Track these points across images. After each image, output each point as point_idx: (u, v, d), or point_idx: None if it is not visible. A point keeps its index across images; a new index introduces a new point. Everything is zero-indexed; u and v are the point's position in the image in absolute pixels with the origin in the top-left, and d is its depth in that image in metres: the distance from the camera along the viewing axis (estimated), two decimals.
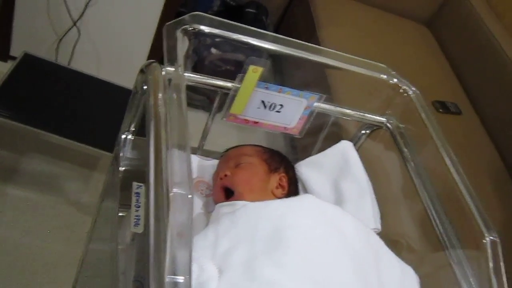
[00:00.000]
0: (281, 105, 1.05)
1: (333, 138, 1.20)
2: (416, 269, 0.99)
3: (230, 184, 1.00)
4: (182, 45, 0.90)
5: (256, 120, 1.07)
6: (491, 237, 0.85)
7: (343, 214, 0.94)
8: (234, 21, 0.99)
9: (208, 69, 2.22)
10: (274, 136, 2.26)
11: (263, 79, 1.00)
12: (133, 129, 1.11)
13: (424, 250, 1.07)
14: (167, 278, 0.60)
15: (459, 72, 2.64)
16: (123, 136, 1.11)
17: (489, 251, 0.84)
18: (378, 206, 1.09)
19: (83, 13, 1.99)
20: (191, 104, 2.30)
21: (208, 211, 1.03)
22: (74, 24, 2.01)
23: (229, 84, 1.01)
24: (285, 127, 1.10)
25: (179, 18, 0.91)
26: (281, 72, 2.67)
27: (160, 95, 0.87)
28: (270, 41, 1.01)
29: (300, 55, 1.03)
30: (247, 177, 1.01)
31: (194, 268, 0.75)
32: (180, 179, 0.67)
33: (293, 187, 1.08)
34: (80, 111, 1.83)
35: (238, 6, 2.54)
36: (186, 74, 0.99)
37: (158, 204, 0.68)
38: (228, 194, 1.01)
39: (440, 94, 2.42)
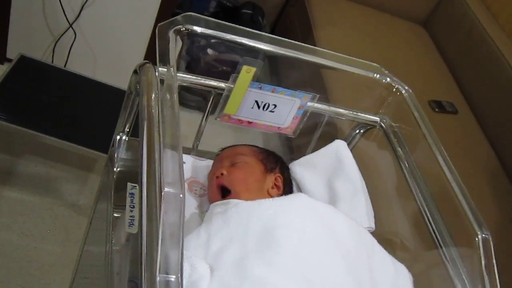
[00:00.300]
0: (274, 105, 1.05)
1: (328, 138, 1.20)
2: (410, 267, 1.00)
3: (227, 183, 1.00)
4: (175, 45, 0.90)
5: (250, 120, 1.07)
6: (483, 235, 0.85)
7: (335, 212, 0.95)
8: (231, 22, 1.00)
9: (204, 70, 2.23)
10: (269, 136, 2.27)
11: (258, 80, 1.00)
12: (128, 130, 1.12)
13: (418, 249, 1.07)
14: (159, 277, 0.61)
15: (455, 72, 2.64)
16: (118, 137, 1.12)
17: (481, 248, 0.84)
18: (372, 205, 1.10)
19: (79, 15, 2.00)
20: (186, 104, 2.30)
21: (202, 211, 1.03)
22: (70, 26, 2.02)
23: (222, 85, 1.02)
24: (279, 127, 1.10)
25: (172, 18, 0.91)
26: (277, 72, 2.68)
27: (153, 95, 0.87)
28: (263, 41, 1.01)
29: (293, 55, 1.04)
30: (244, 176, 1.02)
31: (186, 267, 0.76)
32: (172, 178, 0.67)
33: (288, 188, 1.08)
34: (76, 113, 1.83)
35: (234, 7, 2.55)
36: (179, 74, 0.99)
37: (151, 204, 0.69)
38: (224, 193, 1.01)
39: (436, 93, 2.43)
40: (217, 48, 2.23)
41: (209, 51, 2.20)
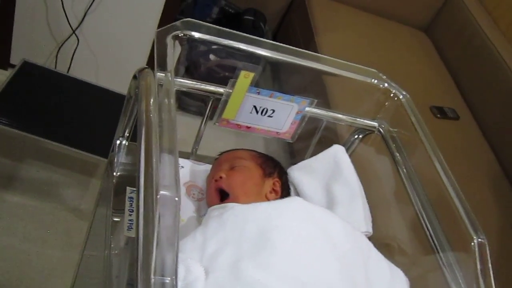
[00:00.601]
0: (272, 110, 1.06)
1: (328, 143, 1.20)
2: (407, 271, 1.00)
3: (225, 186, 1.01)
4: (174, 51, 0.91)
5: (249, 125, 1.08)
6: (479, 239, 0.86)
7: (331, 216, 0.95)
8: (233, 28, 1.01)
9: (206, 76, 2.24)
10: (270, 140, 2.27)
11: (260, 85, 1.01)
12: (128, 134, 1.13)
13: (415, 253, 1.08)
14: (154, 279, 0.61)
15: (456, 78, 2.65)
16: (118, 142, 1.12)
17: (477, 253, 0.84)
18: (370, 210, 1.10)
19: (82, 21, 2.02)
20: (187, 109, 2.32)
21: (200, 215, 1.04)
22: (73, 32, 2.03)
23: (221, 90, 1.03)
24: (277, 132, 1.11)
25: (171, 24, 0.92)
26: (279, 78, 2.69)
27: (151, 100, 0.88)
28: (261, 47, 1.02)
29: (291, 60, 1.05)
30: (242, 180, 1.02)
31: (181, 269, 0.76)
32: (168, 182, 0.68)
33: (285, 192, 1.09)
34: (78, 118, 1.84)
35: (237, 14, 2.56)
36: (178, 80, 1.00)
37: (147, 207, 0.69)
38: (223, 196, 1.01)
39: (438, 99, 2.43)
40: (219, 54, 2.24)
41: (211, 56, 2.22)
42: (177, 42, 0.95)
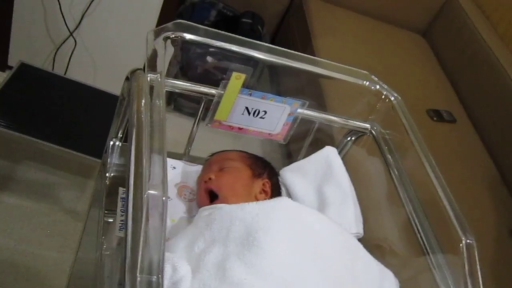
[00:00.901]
0: (265, 111, 1.06)
1: (322, 145, 1.21)
2: (398, 273, 1.00)
3: (215, 187, 1.02)
4: (165, 52, 0.92)
5: (241, 126, 1.08)
6: (468, 240, 0.86)
7: (318, 217, 0.96)
8: (230, 31, 1.01)
9: (203, 78, 2.24)
10: (266, 141, 2.28)
11: (258, 88, 1.02)
12: (121, 135, 1.13)
13: (406, 255, 1.08)
14: (139, 277, 0.62)
15: (453, 81, 2.66)
16: (111, 143, 1.13)
17: (465, 253, 0.85)
18: (362, 212, 1.11)
19: (79, 23, 2.03)
20: (183, 111, 2.32)
21: (191, 215, 1.04)
22: (71, 34, 2.04)
23: (213, 91, 1.03)
24: (269, 133, 1.11)
25: (163, 25, 0.93)
26: (277, 81, 2.70)
27: (143, 101, 0.89)
28: (253, 49, 1.03)
29: (284, 62, 1.05)
30: (231, 181, 1.03)
31: (168, 268, 0.77)
32: (155, 181, 0.69)
33: (276, 193, 1.09)
34: (75, 120, 1.85)
35: (235, 16, 2.57)
36: (171, 81, 1.01)
37: (136, 207, 0.70)
38: (212, 198, 1.02)
39: (435, 102, 2.44)
40: (217, 56, 2.25)
41: (209, 59, 2.22)
42: (169, 43, 0.96)
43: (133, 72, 0.96)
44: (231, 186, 1.02)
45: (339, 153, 1.20)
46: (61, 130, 1.78)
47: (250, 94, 1.03)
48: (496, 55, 2.42)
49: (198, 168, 1.13)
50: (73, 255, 1.43)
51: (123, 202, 1.05)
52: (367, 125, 1.16)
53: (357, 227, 1.06)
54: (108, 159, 1.13)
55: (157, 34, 0.91)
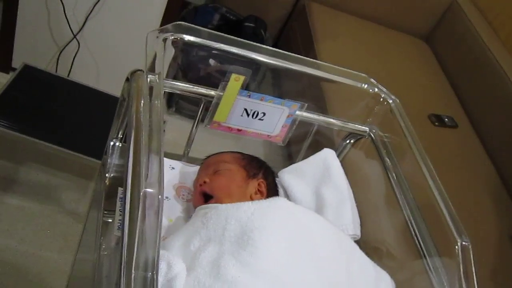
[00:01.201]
0: (263, 113, 1.07)
1: (321, 148, 1.22)
2: (394, 275, 1.01)
3: (209, 190, 1.02)
4: (164, 53, 0.93)
5: (240, 128, 1.09)
6: (463, 242, 0.86)
7: (314, 217, 0.96)
8: (233, 35, 1.02)
9: (205, 81, 2.25)
10: (267, 143, 2.28)
11: (260, 90, 1.02)
12: (121, 136, 1.14)
13: (403, 257, 1.08)
14: (134, 273, 0.62)
15: (456, 86, 2.66)
16: (111, 143, 1.14)
17: (460, 255, 0.85)
18: (360, 214, 1.11)
19: (83, 26, 2.04)
20: (185, 113, 2.34)
21: (188, 215, 1.05)
22: (74, 36, 2.06)
23: (212, 92, 1.04)
24: (268, 135, 1.12)
25: (162, 27, 0.94)
26: (279, 85, 2.71)
27: (142, 102, 0.89)
28: (253, 51, 1.04)
29: (282, 64, 1.06)
30: (225, 183, 1.03)
31: (163, 265, 0.78)
32: (151, 180, 0.70)
33: (272, 193, 1.09)
34: (78, 121, 1.86)
35: (238, 20, 2.58)
36: (169, 82, 1.02)
37: (133, 205, 0.71)
38: (207, 199, 1.02)
39: (437, 107, 2.44)
40: (217, 59, 2.25)
41: (211, 62, 2.23)
42: (170, 45, 0.97)
43: (133, 73, 0.98)
44: (226, 188, 1.02)
45: (338, 155, 1.20)
46: (64, 131, 1.80)
47: (249, 96, 1.04)
48: (498, 61, 2.42)
49: (196, 169, 1.14)
50: (73, 256, 1.44)
51: (122, 202, 1.06)
52: (366, 128, 1.16)
53: (355, 229, 1.06)
54: (108, 160, 1.14)
55: (156, 35, 0.92)
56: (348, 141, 1.22)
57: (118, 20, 2.06)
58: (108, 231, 1.07)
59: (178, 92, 1.06)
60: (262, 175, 1.09)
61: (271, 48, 1.04)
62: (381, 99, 1.10)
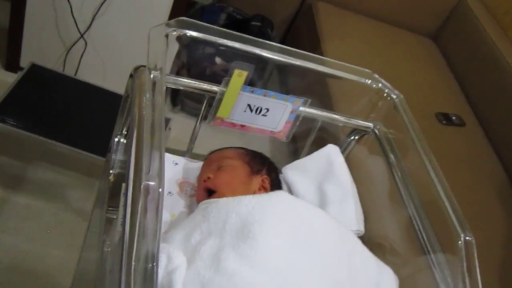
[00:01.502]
0: (267, 109, 1.07)
1: (325, 144, 1.21)
2: (398, 271, 1.00)
3: (213, 186, 1.02)
4: (167, 48, 0.93)
5: (243, 124, 1.09)
6: (466, 237, 0.86)
7: (315, 211, 0.96)
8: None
9: (211, 80, 2.25)
10: (273, 139, 2.28)
11: (266, 87, 1.02)
12: (125, 132, 1.14)
13: (406, 253, 1.08)
14: (134, 265, 0.63)
15: (464, 85, 2.64)
16: (115, 139, 1.14)
17: (464, 250, 0.85)
18: (364, 210, 1.11)
19: (90, 25, 2.05)
20: (189, 112, 2.34)
21: (191, 211, 1.05)
22: (81, 36, 2.07)
23: (215, 88, 1.04)
24: (271, 131, 1.12)
25: (165, 22, 0.94)
26: (286, 82, 2.70)
27: (145, 97, 0.90)
28: (256, 46, 1.04)
29: (286, 60, 1.06)
30: (229, 179, 1.03)
31: (163, 258, 0.78)
32: (153, 173, 0.70)
33: (275, 189, 1.09)
34: (85, 120, 1.87)
35: (244, 20, 2.58)
36: (172, 77, 1.02)
37: (134, 198, 0.71)
38: (210, 195, 1.02)
39: (444, 106, 2.43)
40: (226, 57, 2.25)
41: (217, 60, 2.23)
42: (173, 40, 0.98)
43: (136, 69, 0.98)
44: (229, 184, 1.02)
45: (343, 152, 1.20)
46: (71, 130, 1.80)
47: (252, 92, 1.04)
48: (506, 59, 2.40)
49: (200, 164, 1.14)
50: (79, 253, 1.44)
51: (125, 198, 1.06)
52: (370, 124, 1.16)
53: (358, 225, 1.06)
54: (112, 156, 1.14)
55: (159, 30, 0.92)
56: (352, 138, 1.21)
57: (124, 19, 2.07)
58: (112, 227, 1.07)
59: (181, 88, 1.06)
60: (265, 171, 1.09)
61: (276, 44, 1.04)
62: (385, 95, 1.09)
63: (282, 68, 2.62)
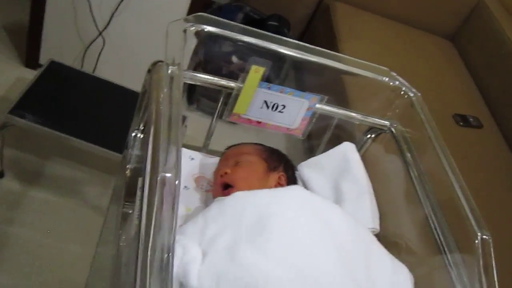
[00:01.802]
0: (283, 105, 1.07)
1: (341, 142, 1.21)
2: (413, 270, 0.99)
3: (230, 181, 1.02)
4: (185, 44, 0.94)
5: (259, 120, 1.09)
6: (483, 236, 0.85)
7: (331, 206, 0.96)
8: None
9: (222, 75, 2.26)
10: (288, 137, 2.28)
11: (282, 84, 1.02)
12: (142, 127, 1.15)
13: (422, 252, 1.07)
14: (150, 256, 0.63)
15: (481, 87, 2.62)
16: (133, 134, 1.15)
17: (480, 249, 0.84)
18: (380, 209, 1.10)
19: (108, 23, 2.07)
20: (206, 111, 2.36)
21: (207, 206, 1.05)
22: (100, 33, 2.09)
23: (232, 84, 1.04)
24: (287, 128, 1.12)
25: (183, 17, 0.95)
26: (302, 79, 2.69)
27: (162, 92, 0.90)
28: (273, 42, 1.04)
29: (302, 56, 1.06)
30: (246, 174, 1.03)
31: (179, 250, 0.78)
32: (169, 165, 0.71)
33: None
34: (103, 117, 1.89)
35: (261, 19, 2.59)
36: (190, 73, 1.03)
37: (151, 190, 0.72)
38: (227, 190, 1.03)
39: (462, 107, 2.41)
40: (243, 55, 2.25)
41: (234, 59, 2.24)
42: (191, 36, 0.98)
43: (154, 64, 0.99)
44: (246, 180, 1.02)
45: (359, 150, 1.19)
46: (89, 126, 1.82)
47: (269, 88, 1.04)
48: None
49: (216, 160, 1.14)
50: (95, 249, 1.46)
51: (141, 191, 1.07)
52: (386, 123, 1.15)
53: (373, 223, 1.05)
54: (129, 151, 1.15)
55: (177, 25, 0.93)
56: (368, 136, 1.21)
57: (142, 18, 2.09)
58: (128, 222, 1.08)
59: (198, 83, 1.06)
60: (282, 168, 1.09)
61: (292, 40, 1.04)
62: (402, 93, 1.09)
63: (298, 66, 2.61)
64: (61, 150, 2.02)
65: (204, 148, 1.18)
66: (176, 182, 0.69)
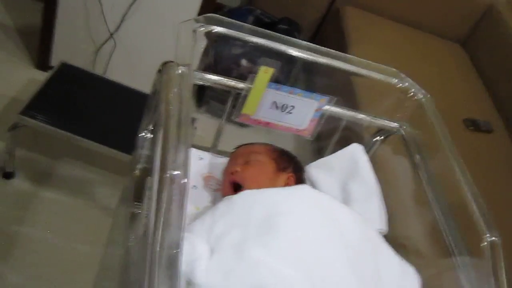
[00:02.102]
0: (292, 106, 1.07)
1: (350, 144, 1.21)
2: (421, 271, 0.99)
3: (239, 180, 1.03)
4: (195, 44, 0.94)
5: (268, 121, 1.10)
6: (493, 238, 0.84)
7: (339, 206, 0.96)
8: None
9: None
10: (297, 138, 2.28)
11: (293, 85, 1.02)
12: (152, 128, 1.16)
13: (431, 255, 1.06)
14: (159, 252, 0.64)
15: (492, 91, 2.60)
16: (142, 134, 1.16)
17: (490, 251, 0.83)
18: (389, 210, 1.10)
19: (119, 25, 2.09)
20: (216, 113, 2.34)
21: (215, 204, 1.06)
22: (111, 35, 2.10)
23: (241, 85, 1.05)
24: (296, 129, 1.12)
25: (193, 18, 0.95)
26: (312, 80, 2.69)
27: (172, 92, 0.91)
28: (283, 43, 1.04)
29: (312, 57, 1.06)
30: (256, 173, 1.04)
31: (187, 246, 0.79)
32: (178, 163, 0.71)
33: None
34: (114, 118, 1.90)
35: (272, 23, 2.59)
36: (199, 73, 1.03)
37: (160, 187, 0.72)
38: (237, 190, 1.03)
39: (472, 112, 2.40)
40: (252, 59, 2.26)
41: (244, 62, 2.24)
42: (201, 36, 0.99)
43: (165, 64, 0.99)
44: (256, 179, 1.03)
45: (368, 152, 1.19)
46: (99, 127, 1.83)
47: (278, 89, 1.04)
48: None
49: (225, 160, 1.15)
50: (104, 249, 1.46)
51: (149, 191, 1.07)
52: (396, 124, 1.15)
53: (381, 223, 1.05)
54: (139, 151, 1.16)
55: (187, 26, 0.93)
56: (378, 138, 1.21)
57: (153, 20, 2.10)
58: (137, 222, 1.09)
59: (207, 84, 1.07)
60: (292, 169, 1.09)
61: (302, 41, 1.04)
62: (411, 94, 1.09)
63: (308, 68, 2.61)
64: (72, 151, 2.03)
65: (213, 149, 1.19)
66: (185, 180, 0.69)
